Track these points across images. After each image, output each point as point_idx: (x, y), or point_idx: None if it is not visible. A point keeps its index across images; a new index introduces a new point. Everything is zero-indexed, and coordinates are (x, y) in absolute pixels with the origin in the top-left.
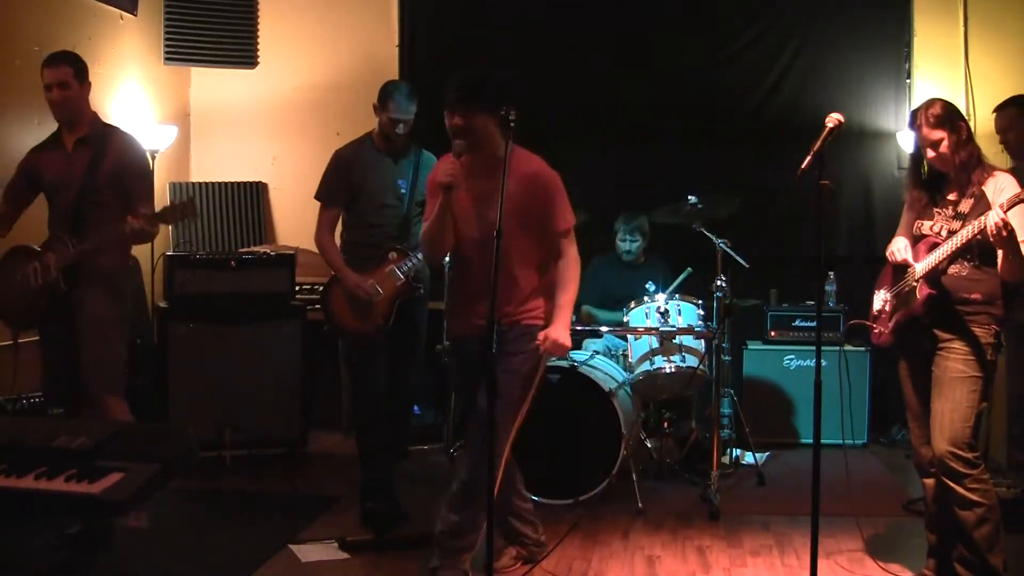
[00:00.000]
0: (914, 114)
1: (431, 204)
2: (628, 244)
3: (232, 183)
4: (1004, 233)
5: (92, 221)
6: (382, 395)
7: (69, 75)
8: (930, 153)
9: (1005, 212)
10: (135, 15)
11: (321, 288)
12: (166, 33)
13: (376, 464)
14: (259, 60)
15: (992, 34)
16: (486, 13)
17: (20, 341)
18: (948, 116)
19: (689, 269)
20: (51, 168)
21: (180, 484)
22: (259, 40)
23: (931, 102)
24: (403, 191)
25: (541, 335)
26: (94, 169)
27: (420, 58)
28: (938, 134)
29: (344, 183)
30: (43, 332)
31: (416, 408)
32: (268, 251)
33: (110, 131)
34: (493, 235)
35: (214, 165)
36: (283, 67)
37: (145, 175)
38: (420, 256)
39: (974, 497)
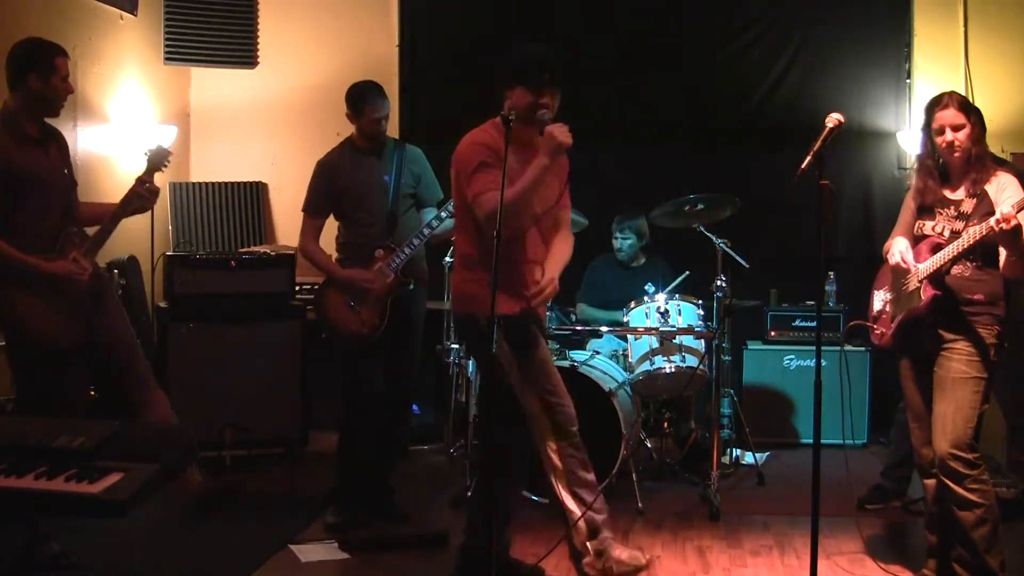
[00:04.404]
0: (939, 97)
1: (485, 175)
2: (620, 242)
3: (232, 183)
4: (1008, 227)
5: None
6: (377, 401)
7: None
8: (949, 136)
9: (1015, 214)
10: (135, 15)
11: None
12: (166, 33)
13: (354, 473)
14: (259, 60)
15: (992, 34)
16: (486, 13)
17: None
18: (972, 108)
19: (687, 272)
20: None
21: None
22: (259, 40)
23: (954, 92)
24: (389, 186)
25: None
26: None
27: (420, 58)
28: (963, 118)
29: (329, 192)
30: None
31: (416, 408)
32: (268, 251)
33: None
34: (548, 209)
35: (214, 165)
36: (283, 67)
37: None
38: (408, 251)
39: (974, 498)
